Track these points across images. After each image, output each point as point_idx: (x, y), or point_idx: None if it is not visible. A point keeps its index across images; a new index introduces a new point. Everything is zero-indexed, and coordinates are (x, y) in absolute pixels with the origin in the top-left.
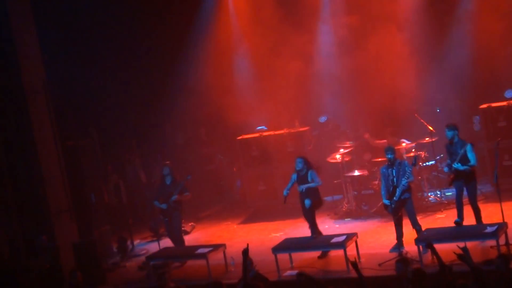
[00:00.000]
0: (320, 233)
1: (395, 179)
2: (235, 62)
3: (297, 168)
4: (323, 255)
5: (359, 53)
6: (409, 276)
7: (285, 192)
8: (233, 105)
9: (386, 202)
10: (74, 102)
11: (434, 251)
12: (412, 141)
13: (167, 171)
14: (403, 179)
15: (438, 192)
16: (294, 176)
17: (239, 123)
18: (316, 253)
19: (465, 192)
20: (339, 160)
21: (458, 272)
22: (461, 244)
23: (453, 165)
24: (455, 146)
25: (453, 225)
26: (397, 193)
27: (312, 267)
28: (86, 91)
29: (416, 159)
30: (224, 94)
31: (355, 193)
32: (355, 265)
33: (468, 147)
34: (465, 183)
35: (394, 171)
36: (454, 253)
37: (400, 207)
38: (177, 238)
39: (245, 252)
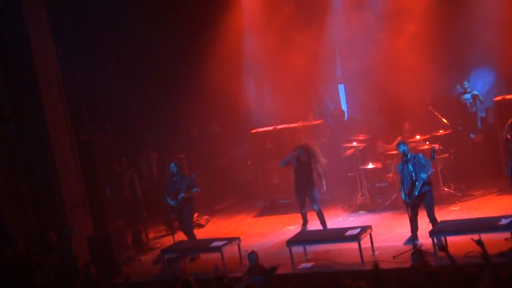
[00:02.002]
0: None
1: (413, 174)
2: (248, 54)
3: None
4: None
5: (372, 46)
6: (421, 277)
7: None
8: (247, 98)
9: (405, 198)
10: (88, 97)
11: (447, 254)
12: (426, 134)
13: (174, 168)
14: (422, 173)
15: (452, 185)
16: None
17: (253, 116)
18: (330, 246)
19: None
20: (355, 148)
21: (473, 264)
22: (476, 237)
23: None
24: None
25: (467, 217)
26: (416, 187)
27: (326, 259)
28: (100, 85)
29: (434, 152)
30: (237, 87)
31: (369, 185)
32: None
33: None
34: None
35: (410, 165)
36: (472, 239)
37: (420, 201)
38: (189, 234)
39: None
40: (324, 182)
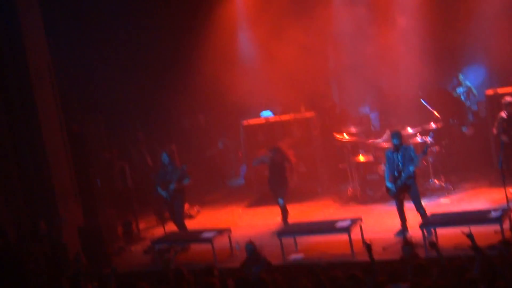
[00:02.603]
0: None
1: (400, 163)
2: (240, 46)
3: None
4: None
5: (365, 39)
6: (410, 269)
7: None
8: (239, 89)
9: (389, 185)
10: (79, 87)
11: (438, 252)
12: (417, 126)
13: (166, 159)
14: (410, 166)
15: (443, 177)
16: None
17: (245, 107)
18: (321, 238)
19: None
20: (346, 140)
21: (462, 256)
22: (466, 229)
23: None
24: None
25: (457, 209)
26: (401, 178)
27: (316, 251)
28: (91, 75)
29: (426, 148)
30: (229, 79)
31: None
32: (369, 247)
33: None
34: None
35: (399, 155)
36: (462, 232)
37: (402, 192)
38: (179, 225)
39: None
40: (294, 175)
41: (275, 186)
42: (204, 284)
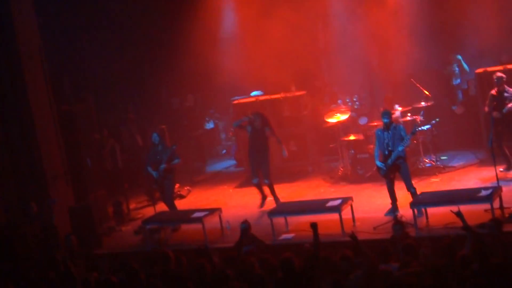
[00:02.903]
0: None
1: (390, 142)
2: (230, 25)
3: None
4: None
5: (355, 18)
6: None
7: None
8: (229, 69)
9: (379, 164)
10: (69, 67)
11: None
12: (407, 105)
13: (156, 139)
14: (400, 145)
15: (433, 156)
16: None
17: (235, 87)
18: (311, 217)
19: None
20: (336, 122)
21: (454, 236)
22: (455, 208)
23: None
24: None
25: (448, 188)
26: (392, 157)
27: (307, 230)
28: (81, 55)
29: (416, 127)
30: (219, 59)
31: (352, 151)
32: (353, 237)
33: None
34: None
35: (389, 134)
36: (451, 211)
37: (393, 171)
38: (170, 205)
39: (245, 230)
40: (283, 147)
41: (256, 160)
42: (196, 265)
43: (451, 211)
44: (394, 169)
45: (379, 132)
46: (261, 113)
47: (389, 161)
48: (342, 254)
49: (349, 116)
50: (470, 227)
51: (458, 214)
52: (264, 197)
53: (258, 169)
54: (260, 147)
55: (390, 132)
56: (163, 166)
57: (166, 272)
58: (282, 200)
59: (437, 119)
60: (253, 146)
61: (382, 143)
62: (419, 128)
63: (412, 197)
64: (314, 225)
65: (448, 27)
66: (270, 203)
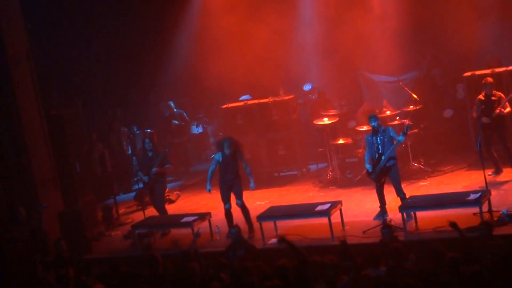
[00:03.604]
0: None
1: (380, 146)
2: (218, 31)
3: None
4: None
5: (342, 21)
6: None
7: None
8: (218, 74)
9: (369, 167)
10: (58, 71)
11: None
12: (396, 109)
13: (149, 144)
14: (390, 148)
15: (422, 160)
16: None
17: (224, 92)
18: (301, 221)
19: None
20: (325, 123)
21: (441, 239)
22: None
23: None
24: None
25: (437, 192)
26: (382, 161)
27: (296, 235)
28: (70, 60)
29: (407, 128)
30: (208, 64)
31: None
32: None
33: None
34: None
35: (379, 138)
36: (449, 222)
37: (383, 174)
38: (160, 210)
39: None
40: (252, 180)
41: (228, 185)
42: (185, 270)
43: (449, 221)
44: (384, 172)
45: (369, 137)
46: (232, 139)
47: (381, 164)
48: (327, 260)
49: (338, 120)
50: (464, 237)
51: (454, 225)
52: (231, 222)
53: (229, 193)
54: (231, 173)
55: (379, 136)
56: (154, 169)
57: (154, 275)
58: (271, 204)
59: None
60: (225, 174)
61: (372, 147)
62: (410, 124)
63: (402, 202)
64: (283, 240)
65: (435, 31)
66: (258, 208)
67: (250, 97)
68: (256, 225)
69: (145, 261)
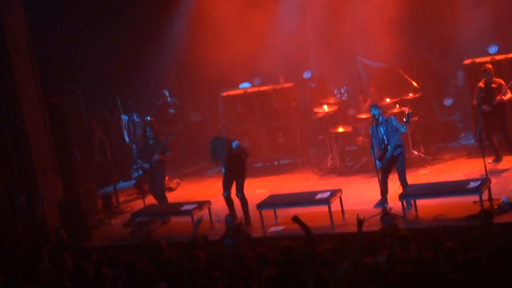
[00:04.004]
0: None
1: (385, 137)
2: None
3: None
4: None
5: (342, 10)
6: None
7: None
8: (218, 61)
9: (378, 164)
10: (58, 59)
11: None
12: (395, 97)
13: (150, 132)
14: (395, 137)
15: (422, 148)
16: None
17: (224, 79)
18: (300, 210)
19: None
20: (325, 111)
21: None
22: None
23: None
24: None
25: (437, 180)
26: (389, 151)
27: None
28: (70, 48)
29: (409, 115)
30: (208, 51)
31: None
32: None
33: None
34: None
35: (382, 129)
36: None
37: (392, 164)
38: (160, 197)
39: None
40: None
41: (231, 178)
42: (190, 257)
43: (291, 218)
44: (393, 161)
45: (373, 129)
46: (222, 139)
47: (388, 155)
48: (327, 247)
49: (338, 108)
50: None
51: (296, 220)
52: (233, 215)
53: (230, 183)
54: (236, 169)
55: (382, 126)
56: (155, 156)
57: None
58: (271, 192)
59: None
60: (230, 169)
61: (378, 139)
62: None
63: (403, 188)
64: (296, 219)
65: (437, 19)
66: (258, 196)
67: (250, 85)
68: (255, 213)
69: (149, 247)
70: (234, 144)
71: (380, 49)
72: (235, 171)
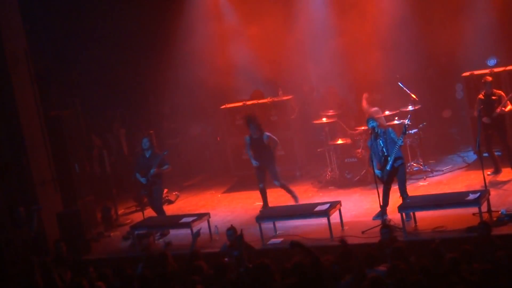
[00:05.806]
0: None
1: (384, 149)
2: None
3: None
4: None
5: (342, 21)
6: (389, 252)
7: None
8: (218, 74)
9: (378, 173)
10: (57, 72)
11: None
12: (394, 109)
13: (146, 144)
14: (394, 148)
15: (421, 160)
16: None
17: (223, 92)
18: (300, 222)
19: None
20: (324, 122)
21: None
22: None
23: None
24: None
25: (436, 192)
26: (389, 163)
27: (295, 235)
28: (69, 60)
29: (405, 127)
30: (207, 64)
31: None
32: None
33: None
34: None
35: (381, 141)
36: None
37: (393, 176)
38: (158, 211)
39: (239, 237)
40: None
41: (261, 166)
42: (191, 268)
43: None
44: (393, 172)
45: (371, 142)
46: (253, 120)
47: (388, 167)
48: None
49: (336, 120)
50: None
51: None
52: (265, 204)
53: (264, 173)
54: (262, 156)
55: (381, 139)
56: (153, 170)
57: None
58: (270, 204)
59: (424, 123)
60: (256, 156)
61: (377, 151)
62: (408, 124)
63: (402, 200)
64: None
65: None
66: (257, 208)
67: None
68: (254, 225)
69: (154, 260)
70: (265, 136)
71: (380, 61)
72: (265, 160)
